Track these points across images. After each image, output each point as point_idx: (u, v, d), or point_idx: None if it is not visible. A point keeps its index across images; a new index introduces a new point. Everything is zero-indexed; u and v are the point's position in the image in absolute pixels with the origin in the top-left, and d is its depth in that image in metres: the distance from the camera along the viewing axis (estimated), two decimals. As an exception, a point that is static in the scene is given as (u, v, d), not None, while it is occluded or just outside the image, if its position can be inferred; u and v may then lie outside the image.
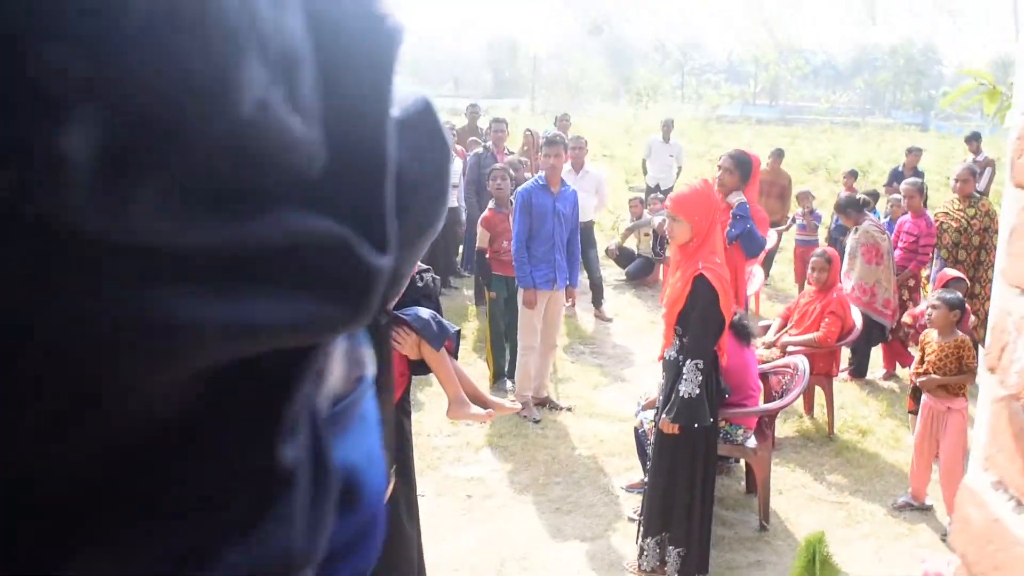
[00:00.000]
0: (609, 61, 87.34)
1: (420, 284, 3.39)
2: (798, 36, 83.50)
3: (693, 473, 4.18)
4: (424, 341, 3.17)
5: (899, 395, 7.00)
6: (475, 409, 3.32)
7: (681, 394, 4.00)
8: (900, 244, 7.44)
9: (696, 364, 3.99)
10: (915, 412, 6.15)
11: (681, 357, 4.05)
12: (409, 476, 3.55)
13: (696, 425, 4.05)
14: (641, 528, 4.33)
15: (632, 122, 39.45)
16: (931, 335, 5.08)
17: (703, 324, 4.02)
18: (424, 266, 3.50)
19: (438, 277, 3.59)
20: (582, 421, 6.34)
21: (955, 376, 4.90)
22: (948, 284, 6.09)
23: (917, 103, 71.18)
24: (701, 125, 40.33)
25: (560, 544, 4.61)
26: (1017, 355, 1.02)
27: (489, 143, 9.63)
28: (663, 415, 4.10)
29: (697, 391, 3.99)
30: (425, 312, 3.20)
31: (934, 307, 5.00)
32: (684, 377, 4.00)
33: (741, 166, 5.33)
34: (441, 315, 3.40)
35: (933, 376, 4.93)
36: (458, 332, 3.33)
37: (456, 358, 3.38)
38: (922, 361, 5.10)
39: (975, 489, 1.12)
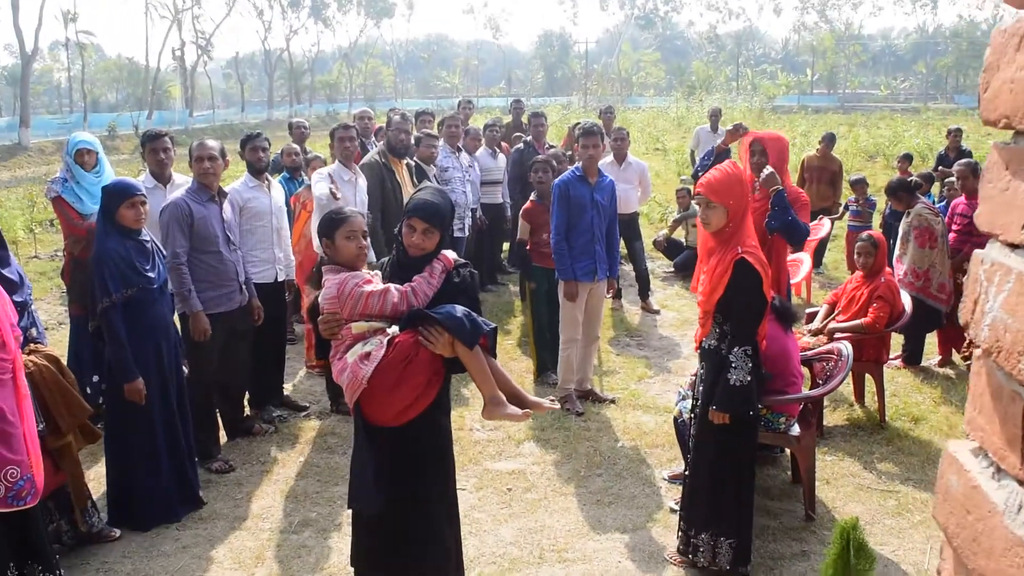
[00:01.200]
0: (662, 55, 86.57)
1: (457, 279, 3.37)
2: (856, 22, 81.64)
3: (740, 462, 4.10)
4: (457, 340, 3.14)
5: (955, 382, 6.79)
6: (511, 409, 3.23)
7: (732, 382, 3.91)
8: (954, 227, 7.20)
9: (745, 350, 3.91)
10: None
11: (724, 345, 3.97)
12: (448, 472, 3.54)
13: (751, 413, 3.97)
14: (683, 522, 4.24)
15: (685, 115, 39.04)
16: None
17: (748, 309, 3.94)
18: (461, 261, 3.47)
19: (476, 272, 3.55)
20: (626, 413, 6.27)
21: None
22: None
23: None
24: (756, 116, 39.73)
25: (600, 536, 4.56)
26: (988, 306, 0.96)
27: (529, 138, 9.60)
28: (712, 406, 4.00)
29: (748, 378, 3.90)
30: (459, 310, 3.15)
31: None
32: (733, 365, 3.91)
33: (770, 144, 5.18)
34: (480, 311, 3.35)
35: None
36: (495, 329, 3.28)
37: (494, 356, 3.34)
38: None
39: (956, 456, 1.06)
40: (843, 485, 5.13)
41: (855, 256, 6.27)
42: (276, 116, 53.24)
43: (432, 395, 3.25)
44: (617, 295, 9.00)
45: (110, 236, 4.53)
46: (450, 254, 3.43)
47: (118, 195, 4.56)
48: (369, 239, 3.53)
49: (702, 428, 4.13)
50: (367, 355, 3.17)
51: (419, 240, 3.33)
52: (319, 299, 3.34)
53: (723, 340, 3.99)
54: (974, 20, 75.96)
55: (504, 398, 3.25)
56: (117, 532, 4.61)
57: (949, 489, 1.06)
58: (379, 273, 3.47)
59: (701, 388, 4.15)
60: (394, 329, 3.24)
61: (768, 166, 5.11)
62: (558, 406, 3.36)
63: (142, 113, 45.22)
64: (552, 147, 9.43)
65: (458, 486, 5.07)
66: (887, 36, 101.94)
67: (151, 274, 4.58)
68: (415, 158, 7.48)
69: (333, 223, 3.38)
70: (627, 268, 9.54)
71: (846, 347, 4.97)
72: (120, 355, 4.49)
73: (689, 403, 4.64)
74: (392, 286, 3.27)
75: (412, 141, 7.36)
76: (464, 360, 3.19)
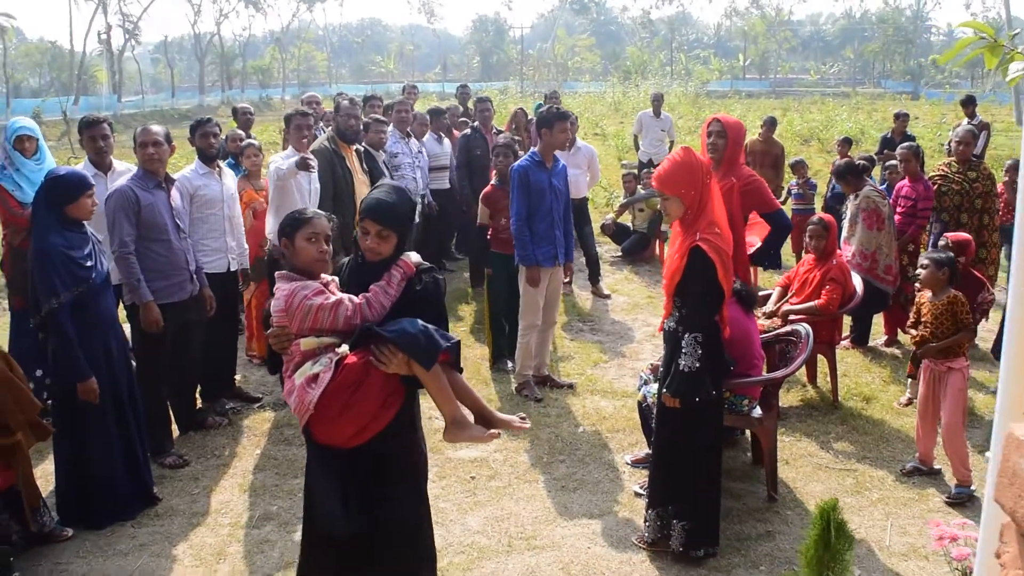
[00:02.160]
0: (596, 40, 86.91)
1: (418, 287, 3.13)
2: (786, 8, 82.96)
3: (695, 446, 4.12)
4: (412, 359, 2.91)
5: (902, 361, 6.95)
6: (475, 430, 3.04)
7: (681, 368, 3.94)
8: (898, 208, 7.35)
9: (695, 337, 3.92)
10: (915, 377, 6.12)
11: (680, 329, 3.98)
12: (419, 487, 3.33)
13: (697, 399, 3.98)
14: (648, 500, 4.29)
15: (621, 100, 39.25)
16: (925, 296, 5.05)
17: (701, 296, 3.95)
18: (425, 265, 3.22)
19: (442, 278, 3.28)
20: (584, 398, 6.28)
21: (952, 337, 4.86)
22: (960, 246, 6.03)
23: (907, 71, 70.93)
24: (691, 101, 40.15)
25: (568, 522, 4.55)
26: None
27: (476, 123, 9.52)
28: (664, 389, 4.04)
29: (697, 365, 3.92)
30: (414, 325, 2.91)
31: (924, 267, 4.97)
32: (684, 351, 3.93)
33: (731, 130, 5.13)
34: (446, 320, 3.17)
35: (931, 344, 4.89)
36: (457, 344, 3.04)
37: (459, 370, 3.15)
38: (917, 323, 5.05)
39: (1022, 438, 1.05)
40: (802, 465, 5.21)
41: (807, 239, 6.36)
42: (208, 102, 52.03)
43: (389, 416, 3.01)
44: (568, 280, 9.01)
45: (52, 230, 4.32)
46: (412, 258, 3.19)
47: (78, 186, 4.37)
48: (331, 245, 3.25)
49: (660, 410, 4.18)
50: (315, 377, 2.93)
51: (374, 244, 3.10)
52: (270, 309, 3.12)
53: (680, 323, 4.01)
54: (899, 7, 77.84)
55: (468, 418, 3.06)
56: (70, 531, 4.45)
57: (1016, 472, 1.04)
58: (337, 279, 3.26)
59: (661, 370, 4.18)
60: (345, 348, 3.00)
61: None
62: (528, 425, 3.18)
63: (68, 98, 43.76)
64: (499, 132, 9.37)
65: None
66: (816, 22, 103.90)
67: (93, 271, 4.40)
68: (364, 144, 7.35)
69: (295, 223, 3.15)
70: (576, 253, 9.54)
71: (806, 329, 5.04)
72: (70, 354, 4.31)
73: (653, 387, 4.66)
74: (345, 297, 3.03)
75: (361, 127, 7.22)
76: (422, 379, 2.97)
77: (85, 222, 4.51)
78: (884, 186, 8.84)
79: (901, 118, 11.80)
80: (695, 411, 4.02)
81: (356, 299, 3.03)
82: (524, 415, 3.22)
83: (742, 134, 5.08)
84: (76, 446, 4.50)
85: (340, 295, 3.05)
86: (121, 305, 5.31)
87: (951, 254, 5.13)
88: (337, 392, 2.91)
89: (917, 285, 5.95)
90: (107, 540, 4.42)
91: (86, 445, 4.50)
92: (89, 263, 4.39)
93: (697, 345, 3.92)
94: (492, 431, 3.08)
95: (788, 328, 5.40)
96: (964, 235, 6.35)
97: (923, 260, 5.04)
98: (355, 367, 2.93)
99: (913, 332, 5.08)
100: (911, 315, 5.23)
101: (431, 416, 5.11)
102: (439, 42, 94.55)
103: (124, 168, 5.63)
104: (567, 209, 6.27)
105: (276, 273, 3.19)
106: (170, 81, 64.31)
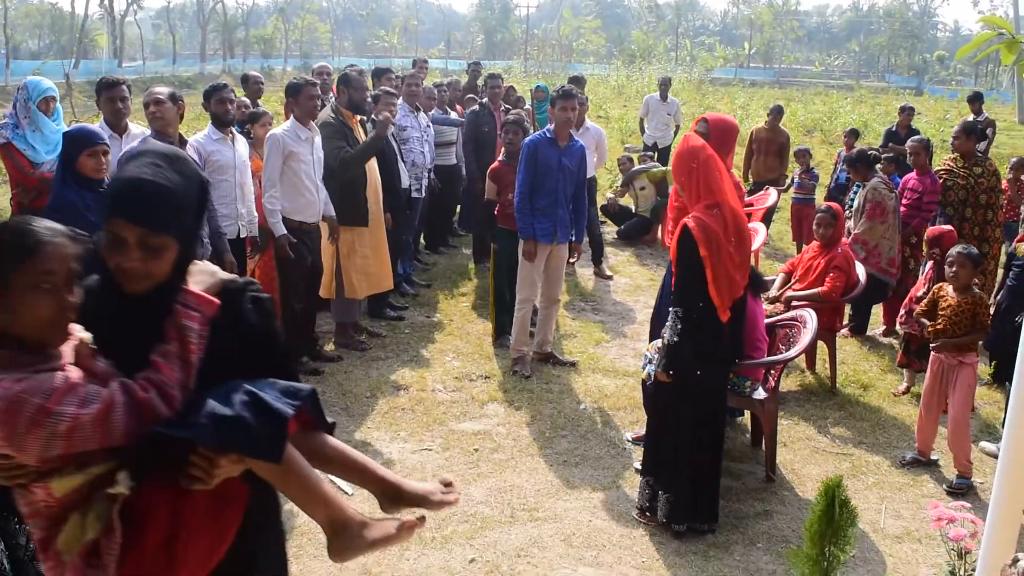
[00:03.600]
0: (602, 22, 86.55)
1: (235, 326, 1.95)
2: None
3: (678, 420, 4.21)
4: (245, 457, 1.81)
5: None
6: (372, 533, 1.94)
7: (665, 340, 4.11)
8: (904, 201, 7.41)
9: (676, 312, 4.07)
10: (906, 366, 6.20)
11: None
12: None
13: (671, 372, 4.08)
14: (648, 468, 4.44)
15: (625, 83, 39.20)
16: (947, 290, 5.07)
17: (685, 272, 4.08)
18: (238, 282, 2.02)
19: (267, 296, 2.04)
20: (586, 376, 6.35)
21: (970, 335, 4.92)
22: (937, 238, 6.08)
23: (911, 67, 70.90)
24: (695, 87, 40.11)
25: (570, 494, 4.63)
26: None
27: (485, 100, 9.54)
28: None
29: (676, 339, 4.04)
30: (231, 399, 1.77)
31: (959, 264, 4.96)
32: (668, 323, 4.09)
33: (715, 130, 4.79)
34: (285, 357, 2.10)
35: (948, 339, 4.93)
36: (313, 393, 1.91)
37: (329, 428, 2.04)
38: (932, 315, 5.09)
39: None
40: (800, 448, 5.30)
41: (814, 227, 6.41)
42: (209, 70, 51.70)
43: (230, 536, 1.94)
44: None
45: (68, 186, 4.37)
46: (207, 278, 1.97)
47: (79, 142, 4.40)
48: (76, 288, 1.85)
49: (653, 383, 4.41)
50: (93, 551, 1.79)
51: (136, 263, 1.84)
52: None
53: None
54: (907, 1, 77.67)
55: (356, 517, 1.93)
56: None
57: None
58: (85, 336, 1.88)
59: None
60: (125, 484, 1.78)
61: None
62: (454, 498, 2.09)
63: (67, 61, 43.49)
64: (507, 109, 9.40)
65: (424, 446, 5.17)
66: (822, 13, 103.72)
67: (105, 228, 4.43)
68: (372, 115, 7.36)
69: (13, 254, 1.76)
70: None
71: (811, 315, 5.11)
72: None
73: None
74: (117, 392, 1.75)
75: (369, 98, 7.24)
76: (271, 481, 1.92)
77: (106, 180, 4.54)
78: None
79: (906, 112, 11.80)
80: (680, 386, 4.12)
81: (135, 388, 1.77)
82: (450, 483, 2.12)
83: (730, 135, 4.92)
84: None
85: (105, 392, 1.74)
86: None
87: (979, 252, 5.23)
88: (142, 559, 1.81)
89: (923, 277, 6.03)
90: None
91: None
92: None
93: (677, 320, 4.06)
94: (407, 522, 1.97)
95: (793, 313, 5.46)
96: (944, 227, 6.38)
97: (957, 257, 5.02)
98: (158, 509, 1.82)
99: (926, 322, 5.12)
100: (921, 305, 5.27)
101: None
102: (443, 18, 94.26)
103: (139, 131, 5.64)
104: (580, 189, 6.31)
105: None
106: (171, 48, 63.93)
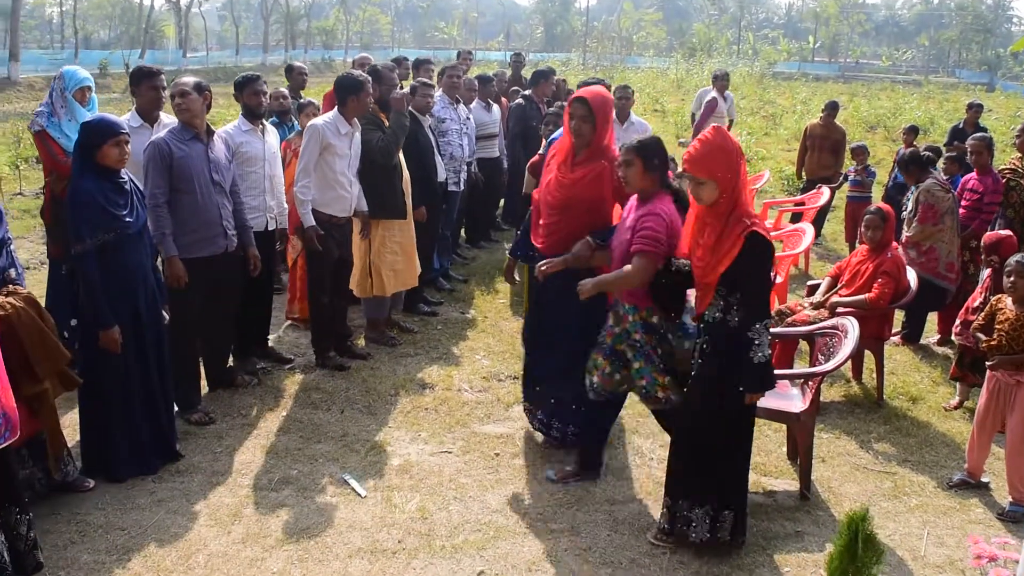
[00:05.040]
0: (663, 15, 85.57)
1: None
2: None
3: (746, 437, 3.98)
4: None
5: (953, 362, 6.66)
6: None
7: (757, 361, 3.69)
8: (963, 202, 7.03)
9: (764, 324, 3.71)
10: (959, 379, 5.84)
11: (731, 316, 3.73)
12: None
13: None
14: (680, 495, 4.02)
15: (684, 77, 38.60)
16: (1005, 302, 4.73)
17: (764, 283, 3.77)
18: None
19: None
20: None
21: None
22: (995, 245, 5.67)
23: (983, 62, 68.64)
24: (756, 81, 39.34)
25: (588, 507, 4.42)
26: None
27: (529, 92, 9.33)
28: (740, 387, 3.76)
29: (769, 352, 3.73)
30: None
31: (1019, 274, 4.57)
32: (756, 342, 3.67)
33: (598, 111, 4.50)
34: None
35: (1006, 356, 4.58)
36: None
37: None
38: (989, 329, 4.76)
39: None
40: (839, 464, 5.01)
41: (863, 229, 6.08)
42: (271, 61, 52.27)
43: None
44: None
45: (86, 176, 4.29)
46: None
47: (102, 133, 4.31)
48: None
49: (697, 402, 3.93)
50: None
51: None
52: None
53: (728, 312, 3.75)
54: (980, -6, 75.17)
55: None
56: (91, 482, 4.45)
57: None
58: None
59: (700, 361, 3.91)
60: None
61: (583, 243, 4.49)
62: None
63: (134, 52, 44.35)
64: (551, 102, 9.17)
65: (444, 448, 5.01)
66: (891, 6, 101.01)
67: (128, 218, 4.35)
68: (409, 108, 7.19)
69: None
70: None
71: (852, 324, 4.80)
72: (95, 301, 4.29)
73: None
74: None
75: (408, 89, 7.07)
76: None
77: (126, 171, 4.47)
78: (946, 179, 8.49)
79: (974, 108, 11.25)
80: (740, 403, 3.81)
81: None
82: None
83: (609, 113, 4.64)
84: (99, 397, 4.49)
85: None
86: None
87: None
88: None
89: (980, 286, 5.67)
90: (127, 493, 4.41)
91: (109, 397, 4.48)
92: (123, 211, 4.34)
93: (767, 332, 3.72)
94: None
95: (832, 321, 5.16)
96: (1003, 233, 5.96)
97: (1015, 266, 4.61)
98: None
99: (982, 337, 4.78)
100: (978, 319, 4.94)
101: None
102: (504, 10, 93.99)
103: (170, 121, 5.57)
104: None
105: None
106: (235, 39, 64.80)
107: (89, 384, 4.45)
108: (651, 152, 4.16)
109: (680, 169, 3.99)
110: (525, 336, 5.27)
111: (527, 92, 9.40)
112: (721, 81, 12.73)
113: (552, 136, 5.98)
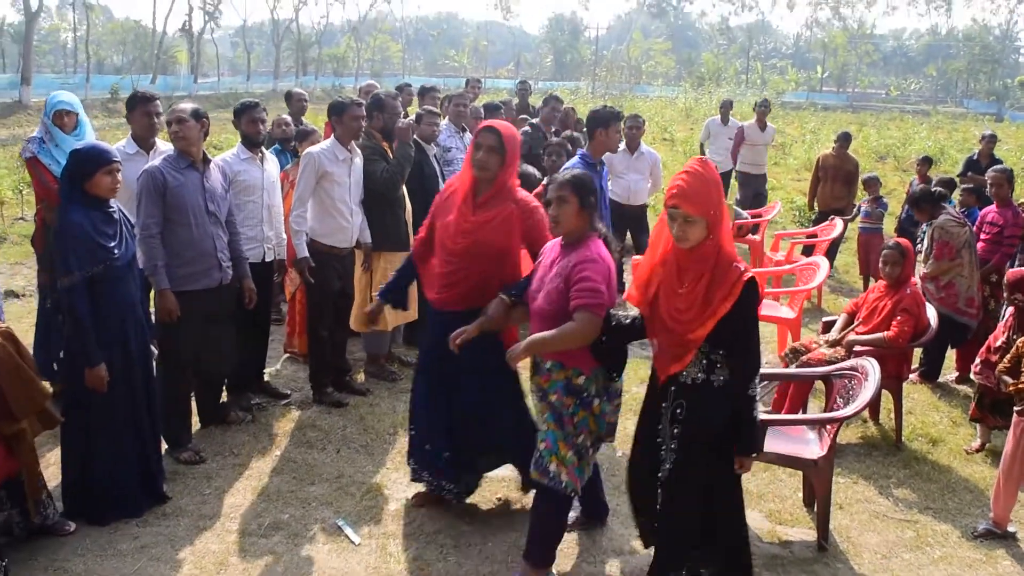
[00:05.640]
0: (672, 44, 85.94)
1: None
2: (869, 21, 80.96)
3: (724, 490, 3.60)
4: None
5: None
6: None
7: (756, 418, 3.39)
8: (982, 235, 6.82)
9: (759, 383, 3.41)
10: (979, 421, 5.60)
11: (722, 379, 3.35)
12: None
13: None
14: (675, 562, 3.63)
15: (693, 106, 38.57)
16: None
17: (757, 334, 3.38)
18: None
19: None
20: (625, 419, 5.87)
21: None
22: (1019, 282, 5.38)
23: (991, 92, 68.53)
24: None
25: (593, 557, 4.20)
26: None
27: (537, 121, 9.18)
28: (738, 451, 3.43)
29: (761, 410, 3.46)
30: None
31: None
32: (757, 399, 3.39)
33: (509, 144, 4.12)
34: None
35: None
36: None
37: None
38: (1016, 371, 4.54)
39: None
40: (857, 512, 4.77)
41: (880, 265, 5.87)
42: (281, 87, 52.51)
43: None
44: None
45: (74, 206, 4.11)
46: None
47: (93, 161, 4.14)
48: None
49: (689, 458, 3.49)
50: None
51: None
52: None
53: (712, 371, 3.36)
54: (987, 24, 75.34)
55: None
56: (72, 526, 4.24)
57: None
58: None
59: (677, 429, 3.48)
60: None
61: (497, 302, 4.02)
62: None
63: (146, 77, 44.60)
64: (557, 131, 9.01)
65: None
66: (899, 37, 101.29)
67: (117, 250, 4.16)
68: (415, 136, 7.04)
69: None
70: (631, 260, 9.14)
71: (873, 365, 4.56)
72: (82, 337, 4.09)
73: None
74: None
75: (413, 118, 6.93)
76: None
77: (114, 201, 4.30)
78: (962, 211, 8.30)
79: (988, 139, 11.02)
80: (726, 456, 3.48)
81: None
82: None
83: (517, 152, 4.23)
84: (84, 436, 4.28)
85: None
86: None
87: None
88: None
89: (1002, 324, 5.46)
90: (108, 538, 4.20)
91: (94, 436, 4.27)
92: (112, 243, 4.16)
93: (758, 387, 3.41)
94: None
95: (852, 362, 4.93)
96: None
97: None
98: None
99: (1008, 380, 4.57)
100: (1003, 363, 4.72)
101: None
102: (514, 39, 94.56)
103: (166, 149, 5.43)
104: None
105: None
106: (246, 65, 65.23)
107: (74, 422, 4.27)
108: (587, 189, 3.69)
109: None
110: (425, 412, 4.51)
111: (535, 120, 9.24)
112: (725, 109, 12.67)
113: (566, 165, 5.81)
